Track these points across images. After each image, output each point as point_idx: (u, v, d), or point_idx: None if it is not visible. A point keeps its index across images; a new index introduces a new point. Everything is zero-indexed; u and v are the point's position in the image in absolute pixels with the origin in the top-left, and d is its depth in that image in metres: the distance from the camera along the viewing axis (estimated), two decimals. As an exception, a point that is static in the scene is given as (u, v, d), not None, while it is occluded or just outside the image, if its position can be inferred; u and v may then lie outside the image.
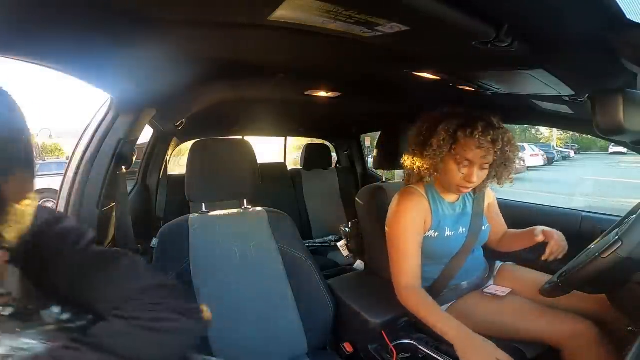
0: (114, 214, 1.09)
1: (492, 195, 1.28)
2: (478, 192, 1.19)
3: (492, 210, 1.28)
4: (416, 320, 1.11)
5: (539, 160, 14.10)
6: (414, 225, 1.08)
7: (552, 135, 20.28)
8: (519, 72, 0.78)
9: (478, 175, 1.03)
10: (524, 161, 12.09)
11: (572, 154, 18.76)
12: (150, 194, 2.14)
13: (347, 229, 1.51)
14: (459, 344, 0.88)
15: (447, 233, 1.13)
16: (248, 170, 1.06)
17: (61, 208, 0.96)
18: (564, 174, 12.40)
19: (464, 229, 1.15)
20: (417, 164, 1.09)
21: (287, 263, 1.09)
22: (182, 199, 1.15)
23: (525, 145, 14.88)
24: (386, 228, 1.15)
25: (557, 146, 19.40)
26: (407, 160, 1.14)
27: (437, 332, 0.93)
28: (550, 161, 15.30)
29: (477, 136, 0.97)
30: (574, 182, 10.37)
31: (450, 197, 1.17)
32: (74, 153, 0.99)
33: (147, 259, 1.08)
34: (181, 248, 0.97)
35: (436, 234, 1.12)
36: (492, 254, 1.31)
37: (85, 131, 1.00)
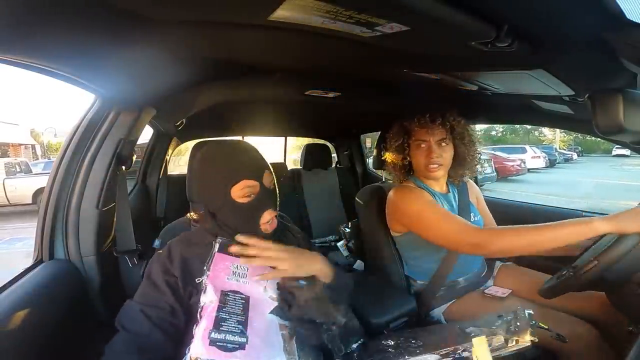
0: (114, 214, 1.09)
1: (477, 188, 1.34)
2: (458, 183, 1.25)
3: (482, 205, 1.33)
4: (417, 319, 1.11)
5: (540, 162, 14.06)
6: (426, 196, 1.13)
7: (555, 137, 20.14)
8: (519, 72, 0.78)
9: (438, 153, 1.13)
10: (524, 162, 12.09)
11: (574, 156, 18.62)
12: (150, 194, 2.14)
13: (347, 230, 1.51)
14: (611, 227, 0.78)
15: None
16: None
17: (60, 207, 0.96)
18: (565, 176, 12.34)
19: None
20: (389, 161, 1.23)
21: None
22: (182, 199, 1.15)
23: (527, 147, 14.86)
24: (400, 216, 1.17)
25: (560, 148, 19.21)
26: (388, 164, 1.26)
27: (566, 242, 0.81)
28: (552, 163, 15.24)
29: (426, 121, 1.13)
30: (574, 184, 10.35)
31: (440, 188, 1.22)
32: (65, 150, 0.98)
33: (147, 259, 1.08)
34: None
35: None
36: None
37: (77, 129, 0.99)
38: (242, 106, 1.71)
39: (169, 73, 0.90)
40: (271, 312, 0.73)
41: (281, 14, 0.54)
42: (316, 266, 0.78)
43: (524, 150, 14.06)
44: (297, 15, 0.55)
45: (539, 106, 1.20)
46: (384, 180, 1.68)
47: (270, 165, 0.84)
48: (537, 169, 13.64)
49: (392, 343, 0.82)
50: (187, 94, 1.19)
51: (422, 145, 1.15)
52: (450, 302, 1.14)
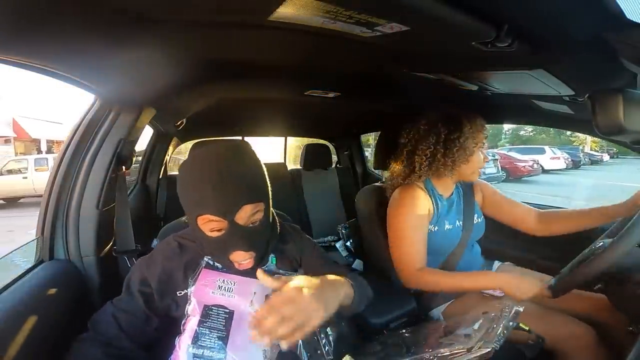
0: (114, 214, 1.09)
1: (485, 187, 1.30)
2: (464, 184, 1.23)
3: (499, 200, 1.28)
4: (417, 319, 1.11)
5: (560, 164, 13.71)
6: (420, 215, 1.11)
7: (586, 138, 19.20)
8: (519, 72, 0.78)
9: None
10: (537, 163, 11.97)
11: (605, 157, 17.84)
12: (150, 194, 2.14)
13: (344, 230, 1.51)
14: (506, 287, 0.95)
15: (447, 226, 1.15)
16: None
17: (60, 207, 0.96)
18: (585, 179, 12.11)
19: (460, 222, 1.17)
20: (437, 157, 1.12)
21: None
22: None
23: (546, 147, 14.50)
24: (389, 220, 1.16)
25: (592, 149, 18.25)
26: (402, 163, 1.20)
27: (475, 290, 1.04)
28: (576, 165, 14.81)
29: (481, 122, 1.12)
30: (587, 187, 10.21)
31: (446, 192, 1.20)
32: (65, 150, 0.98)
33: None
34: None
35: (436, 228, 1.14)
36: (490, 254, 1.31)
37: (77, 129, 0.99)
38: (242, 106, 1.71)
39: (169, 73, 0.90)
40: None
41: (281, 14, 0.54)
42: (341, 292, 0.66)
43: (542, 151, 13.76)
44: (297, 15, 0.55)
45: (539, 106, 1.20)
46: (384, 180, 1.68)
47: (266, 194, 0.73)
48: (556, 170, 13.38)
49: (379, 348, 0.82)
50: (188, 94, 1.19)
51: (481, 147, 1.13)
52: (450, 302, 1.14)
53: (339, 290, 0.65)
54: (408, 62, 0.89)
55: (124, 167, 1.08)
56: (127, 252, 1.07)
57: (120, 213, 1.10)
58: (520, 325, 0.72)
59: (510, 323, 0.68)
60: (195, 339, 0.66)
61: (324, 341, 0.70)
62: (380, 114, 1.96)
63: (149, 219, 2.07)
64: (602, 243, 0.89)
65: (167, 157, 2.28)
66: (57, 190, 0.95)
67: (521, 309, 0.72)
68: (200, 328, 0.67)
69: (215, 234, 0.69)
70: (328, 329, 0.71)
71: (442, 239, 1.14)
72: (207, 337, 0.66)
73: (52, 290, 0.82)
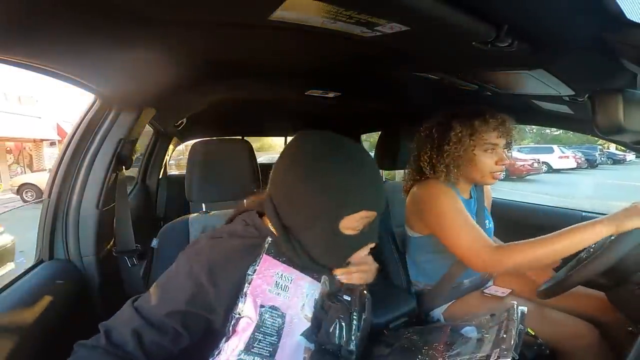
0: (114, 214, 1.09)
1: (489, 191, 1.28)
2: (477, 188, 1.20)
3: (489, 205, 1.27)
4: (417, 319, 1.11)
5: (570, 163, 13.34)
6: (455, 198, 1.03)
7: None
8: (519, 72, 0.78)
9: (504, 160, 1.05)
10: (539, 162, 11.95)
11: (629, 157, 16.62)
12: (150, 194, 2.14)
13: None
14: (612, 228, 0.80)
15: None
16: (248, 170, 1.06)
17: (60, 207, 0.96)
18: (594, 178, 11.88)
19: None
20: (434, 162, 1.08)
21: None
22: (182, 199, 1.15)
23: (555, 147, 14.20)
24: (429, 218, 1.06)
25: (617, 149, 17.52)
26: (411, 167, 1.16)
27: (577, 248, 0.82)
28: (591, 164, 14.30)
29: (497, 122, 1.02)
30: (589, 186, 10.14)
31: (465, 194, 1.15)
32: (65, 150, 0.98)
33: (147, 259, 1.08)
34: (181, 248, 0.96)
35: None
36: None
37: (77, 129, 0.99)
38: (242, 106, 1.71)
39: (169, 73, 0.90)
40: (302, 334, 0.65)
41: (281, 14, 0.54)
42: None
43: (551, 150, 13.55)
44: (297, 15, 0.55)
45: (539, 106, 1.20)
46: (384, 180, 1.68)
47: None
48: (566, 169, 13.09)
49: (387, 351, 0.80)
50: (187, 94, 1.19)
51: (490, 150, 1.04)
52: (450, 303, 1.14)
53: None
54: (408, 62, 0.89)
55: (123, 167, 1.08)
56: (127, 252, 1.07)
57: (120, 213, 1.10)
58: (528, 330, 0.71)
59: (521, 327, 0.67)
60: (249, 346, 0.59)
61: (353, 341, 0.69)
62: (380, 114, 1.96)
63: (149, 219, 2.07)
64: (592, 247, 0.90)
65: (167, 157, 2.28)
66: (57, 190, 0.95)
67: (526, 310, 0.70)
68: (256, 334, 0.60)
69: (354, 232, 0.63)
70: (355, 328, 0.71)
71: None
72: (261, 344, 0.60)
73: (52, 290, 0.82)
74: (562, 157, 13.39)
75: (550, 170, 12.83)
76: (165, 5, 0.54)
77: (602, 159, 15.16)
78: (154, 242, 0.96)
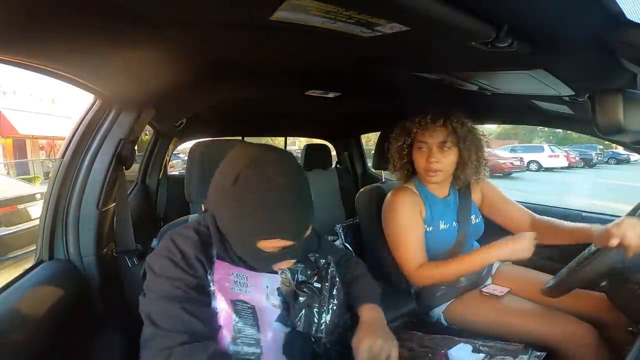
0: (114, 214, 1.09)
1: (487, 187, 1.27)
2: (460, 185, 1.21)
3: (495, 201, 1.24)
4: (417, 319, 1.11)
5: (560, 162, 13.57)
6: (412, 215, 1.12)
7: None
8: (519, 72, 0.78)
9: (438, 157, 1.10)
10: (520, 160, 12.30)
11: (635, 157, 16.31)
12: (151, 194, 2.14)
13: (341, 230, 1.51)
14: (508, 255, 1.00)
15: (442, 226, 1.15)
16: None
17: (60, 207, 0.96)
18: (581, 177, 12.01)
19: (456, 222, 1.17)
20: (395, 165, 1.23)
21: None
22: (182, 199, 1.15)
23: (545, 146, 14.59)
24: (384, 224, 1.19)
25: (623, 149, 17.84)
26: (390, 164, 1.26)
27: (480, 268, 1.11)
28: (587, 163, 14.44)
29: (427, 122, 1.11)
30: (565, 184, 10.24)
31: (441, 192, 1.20)
32: (65, 150, 0.98)
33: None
34: None
35: (431, 228, 1.14)
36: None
37: (77, 129, 0.99)
38: (242, 106, 1.71)
39: (169, 73, 0.90)
40: (276, 320, 0.70)
41: (281, 14, 0.54)
42: (385, 322, 0.78)
43: (541, 149, 14.02)
44: (297, 15, 0.55)
45: (539, 106, 1.20)
46: (384, 180, 1.68)
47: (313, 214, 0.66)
48: (558, 168, 13.27)
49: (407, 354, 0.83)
50: (187, 94, 1.19)
51: (423, 149, 1.12)
52: (450, 302, 1.14)
53: (384, 322, 0.77)
54: (408, 62, 0.89)
55: (124, 167, 1.08)
56: (127, 252, 1.07)
57: (120, 213, 1.09)
58: None
59: None
60: (235, 337, 0.64)
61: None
62: (380, 114, 1.96)
63: (149, 219, 2.07)
64: (594, 247, 0.90)
65: (167, 157, 2.28)
66: (57, 190, 0.95)
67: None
68: (236, 324, 0.65)
69: (273, 250, 0.64)
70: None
71: (438, 238, 1.14)
72: (244, 333, 0.65)
73: (52, 290, 0.82)
74: (551, 156, 13.69)
75: (541, 168, 13.14)
76: (165, 5, 0.54)
77: (600, 158, 15.30)
78: (154, 242, 0.96)
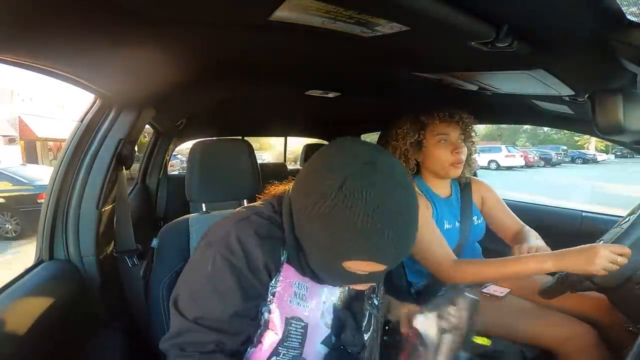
0: (114, 214, 1.09)
1: (487, 192, 1.26)
2: (462, 182, 1.21)
3: (491, 204, 1.24)
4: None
5: (516, 161, 14.79)
6: (427, 214, 1.09)
7: (589, 137, 19.28)
8: (519, 72, 0.78)
9: (462, 149, 1.09)
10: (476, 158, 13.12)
11: (602, 157, 17.49)
12: (150, 194, 2.14)
13: None
14: (561, 265, 0.84)
15: (447, 226, 1.14)
16: (248, 170, 1.06)
17: (60, 207, 0.96)
18: (535, 176, 12.63)
19: (458, 223, 1.16)
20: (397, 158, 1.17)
21: None
22: (182, 199, 1.15)
23: (502, 146, 15.83)
24: None
25: (597, 149, 18.18)
26: None
27: (527, 274, 0.93)
28: (548, 162, 15.57)
29: (444, 115, 1.09)
30: (513, 183, 10.44)
31: (443, 192, 1.19)
32: (65, 150, 0.98)
33: (147, 259, 1.08)
34: (181, 248, 0.97)
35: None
36: (491, 254, 1.31)
37: (77, 129, 0.99)
38: (242, 106, 1.71)
39: (169, 73, 0.90)
40: (322, 342, 0.65)
41: (281, 14, 0.54)
42: None
43: (499, 150, 15.39)
44: (297, 15, 0.55)
45: (539, 106, 1.20)
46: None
47: None
48: (515, 167, 14.67)
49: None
50: (187, 94, 1.19)
51: (444, 141, 1.09)
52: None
53: None
54: (408, 62, 0.89)
55: (124, 167, 1.08)
56: (127, 252, 1.07)
57: (120, 213, 1.10)
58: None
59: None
60: (272, 354, 0.60)
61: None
62: (380, 114, 1.96)
63: (149, 219, 2.07)
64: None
65: (167, 157, 2.28)
66: (57, 190, 0.95)
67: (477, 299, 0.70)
68: (279, 347, 0.60)
69: (357, 272, 0.56)
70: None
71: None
72: (284, 356, 0.61)
73: (52, 290, 0.82)
74: (508, 155, 14.94)
75: (498, 167, 14.46)
76: (165, 5, 0.54)
77: (560, 158, 16.44)
78: (154, 242, 0.96)
